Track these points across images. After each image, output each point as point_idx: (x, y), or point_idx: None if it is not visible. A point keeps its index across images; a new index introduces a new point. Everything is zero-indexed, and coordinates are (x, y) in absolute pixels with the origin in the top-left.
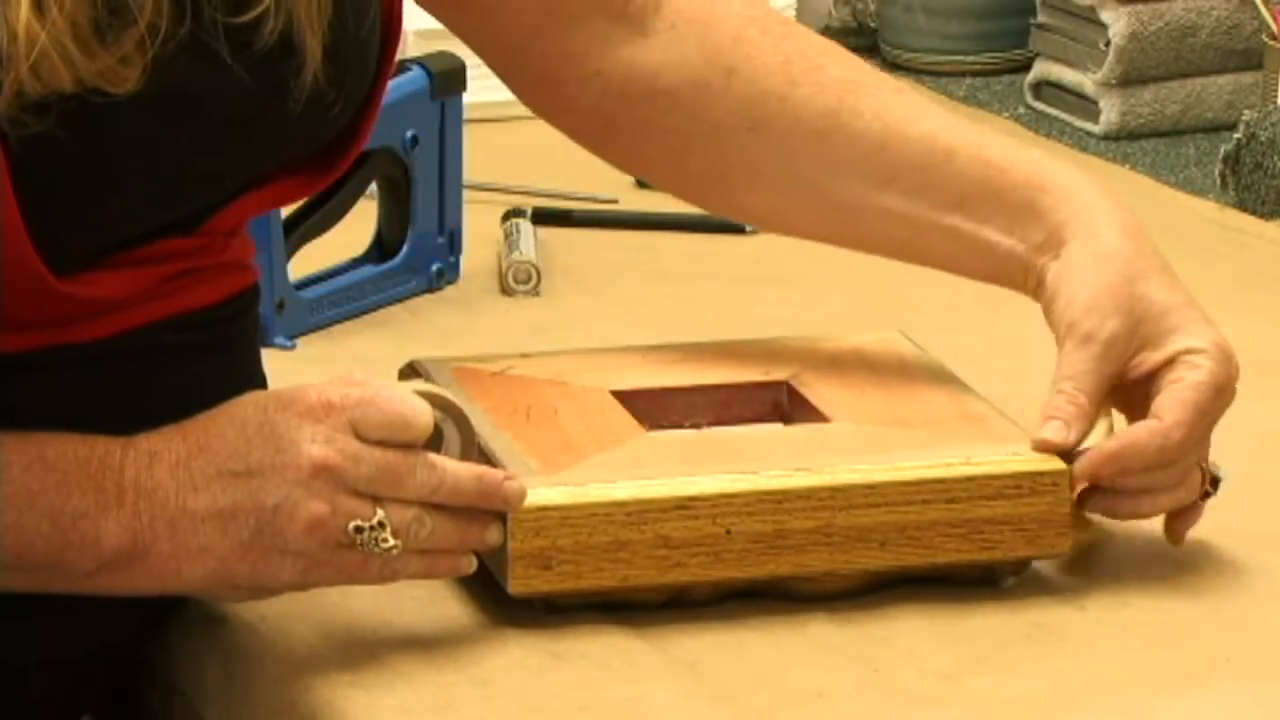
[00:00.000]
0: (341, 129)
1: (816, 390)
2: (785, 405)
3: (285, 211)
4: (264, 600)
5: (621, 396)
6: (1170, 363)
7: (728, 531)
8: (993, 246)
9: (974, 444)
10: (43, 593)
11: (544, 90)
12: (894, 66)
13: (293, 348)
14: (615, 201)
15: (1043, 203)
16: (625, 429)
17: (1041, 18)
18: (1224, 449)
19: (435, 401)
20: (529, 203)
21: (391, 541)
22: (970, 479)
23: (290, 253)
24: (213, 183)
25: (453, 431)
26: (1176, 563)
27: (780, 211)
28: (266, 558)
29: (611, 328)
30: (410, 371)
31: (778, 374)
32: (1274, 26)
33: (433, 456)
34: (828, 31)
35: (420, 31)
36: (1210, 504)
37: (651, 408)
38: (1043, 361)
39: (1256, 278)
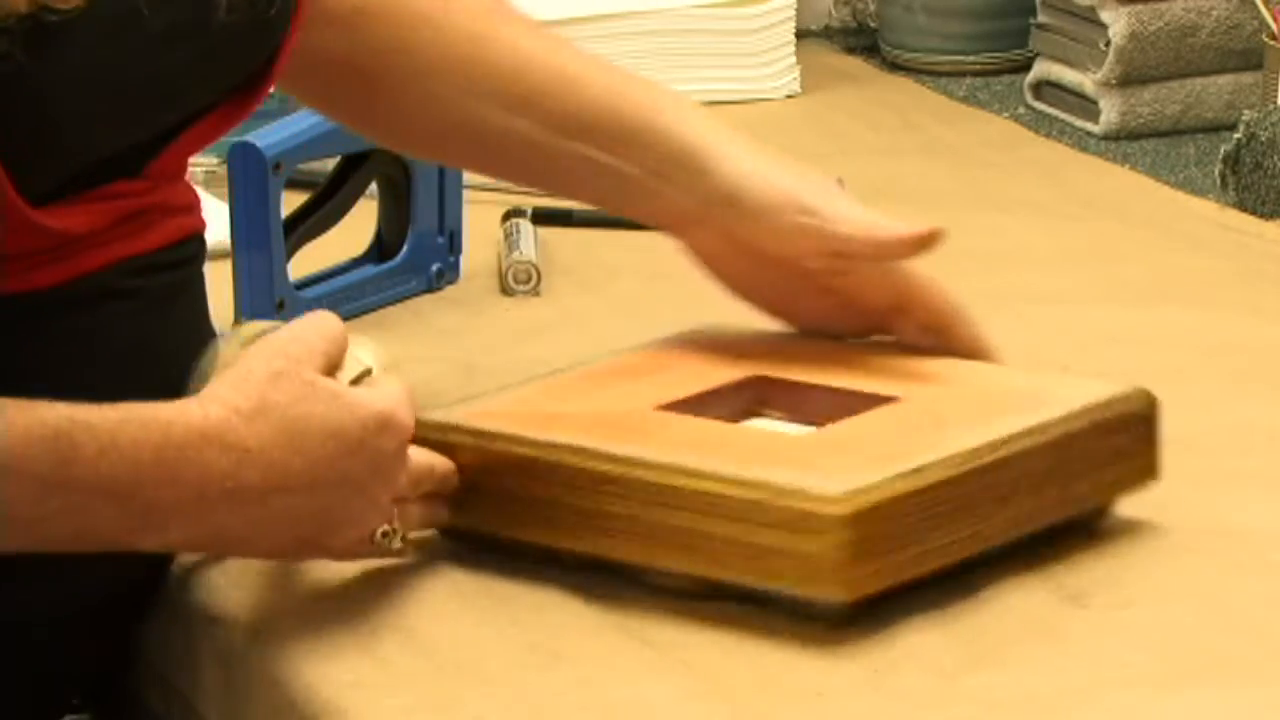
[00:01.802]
0: (262, 58)
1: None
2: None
3: (285, 212)
4: (261, 600)
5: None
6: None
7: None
8: (616, 170)
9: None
10: (110, 325)
11: None
12: (894, 66)
13: None
14: None
15: (660, 122)
16: (635, 405)
17: (1041, 18)
18: (1224, 448)
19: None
20: (529, 203)
21: (400, 544)
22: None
23: (290, 253)
24: (154, 101)
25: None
26: (1177, 563)
27: (420, 134)
28: (313, 550)
29: (611, 328)
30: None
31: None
32: (1274, 26)
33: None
34: (828, 31)
35: None
36: (1210, 503)
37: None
38: (1042, 360)
39: (1256, 278)
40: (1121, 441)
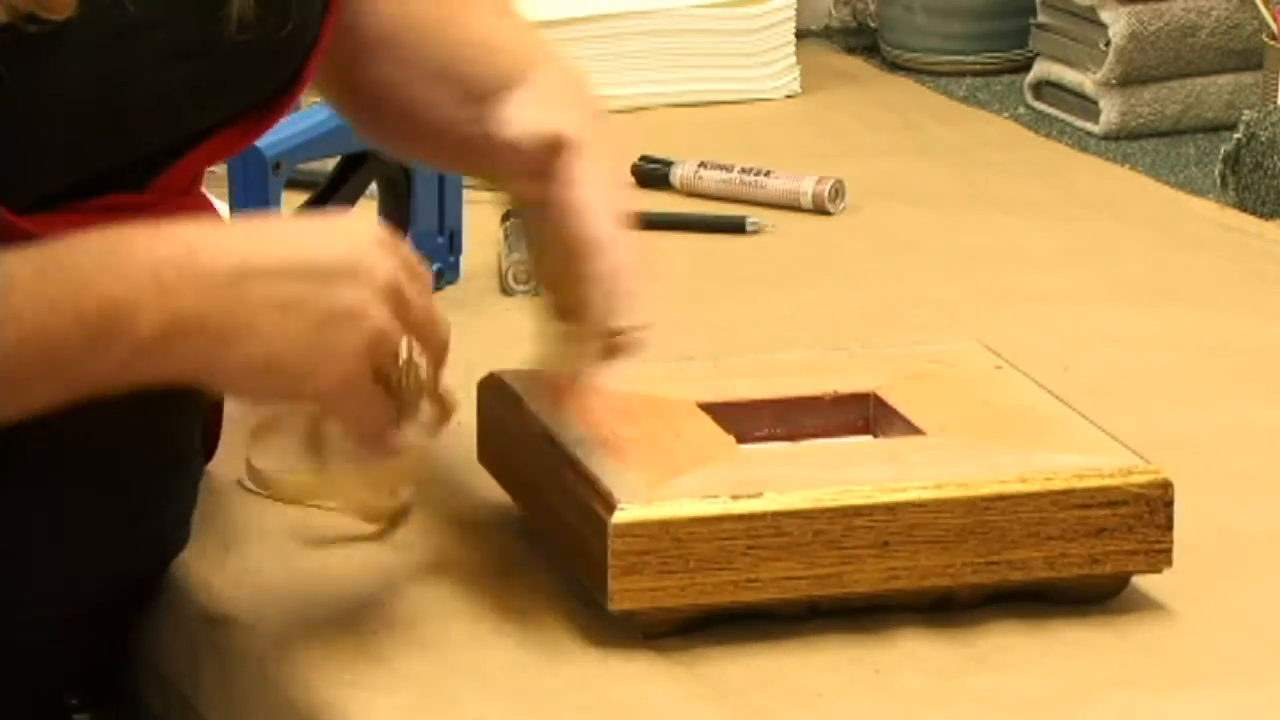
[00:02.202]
0: (284, 74)
1: (903, 402)
2: (871, 417)
3: (285, 212)
4: (261, 600)
5: (708, 409)
6: None
7: (885, 543)
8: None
9: (1078, 452)
10: (78, 399)
11: None
12: (894, 66)
13: None
14: None
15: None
16: (717, 442)
17: (1041, 18)
18: (1224, 448)
19: None
20: None
21: (415, 385)
22: (1099, 488)
23: None
24: (154, 119)
25: None
26: (1176, 563)
27: (363, 117)
28: (316, 357)
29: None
30: (491, 381)
31: (861, 385)
32: (1274, 26)
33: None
34: (828, 31)
35: None
36: (1210, 503)
37: (738, 420)
38: (1042, 360)
39: (1256, 278)
40: (1104, 517)
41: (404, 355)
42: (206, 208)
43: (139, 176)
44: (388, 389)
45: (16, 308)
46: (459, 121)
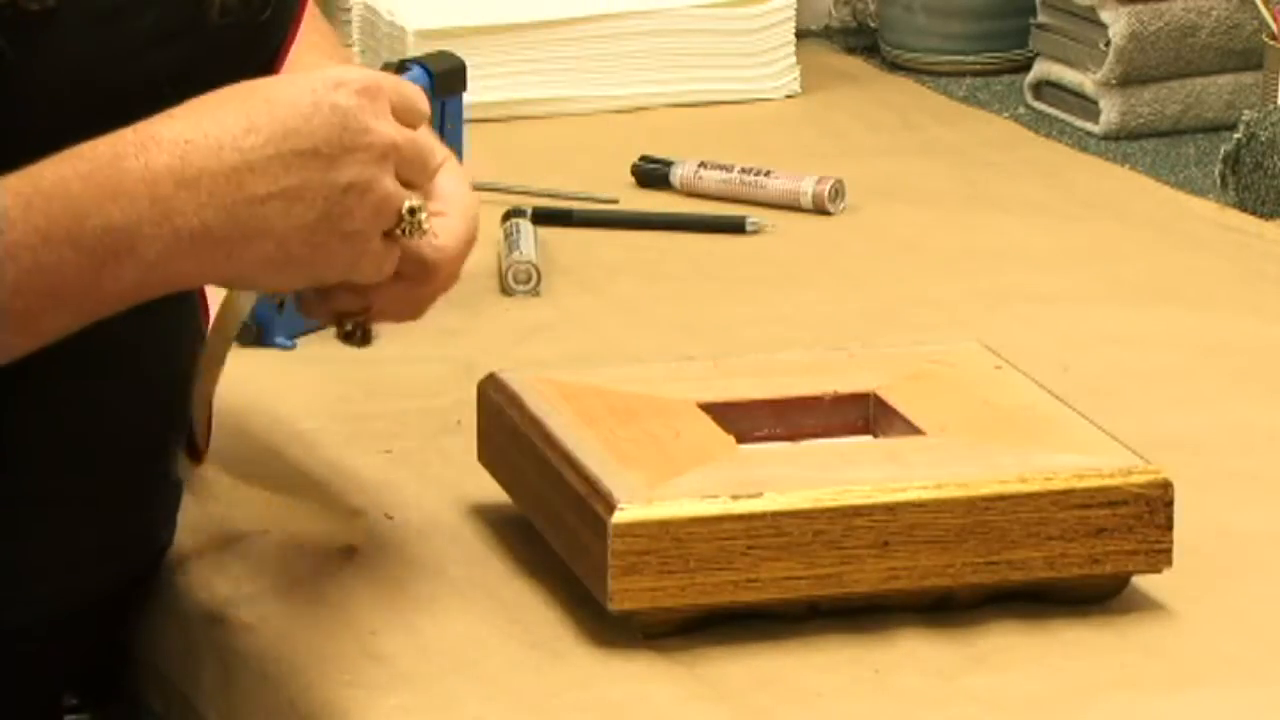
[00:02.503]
0: (264, 58)
1: (903, 402)
2: (871, 417)
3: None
4: (261, 600)
5: (707, 408)
6: None
7: (885, 543)
8: None
9: (1078, 452)
10: (96, 323)
11: None
12: (894, 66)
13: (293, 347)
14: (615, 201)
15: None
16: (717, 442)
17: (1041, 18)
18: (1224, 448)
19: None
20: (529, 203)
21: (426, 224)
22: (1099, 488)
23: None
24: (141, 103)
25: None
26: (1176, 563)
27: None
28: (329, 239)
29: (611, 328)
30: (491, 381)
31: (861, 385)
32: (1274, 26)
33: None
34: (828, 31)
35: (420, 31)
36: (1210, 503)
37: (738, 420)
38: (1042, 360)
39: (1256, 278)
40: (1104, 517)
41: (407, 205)
42: None
43: None
44: (390, 237)
45: (9, 246)
46: None
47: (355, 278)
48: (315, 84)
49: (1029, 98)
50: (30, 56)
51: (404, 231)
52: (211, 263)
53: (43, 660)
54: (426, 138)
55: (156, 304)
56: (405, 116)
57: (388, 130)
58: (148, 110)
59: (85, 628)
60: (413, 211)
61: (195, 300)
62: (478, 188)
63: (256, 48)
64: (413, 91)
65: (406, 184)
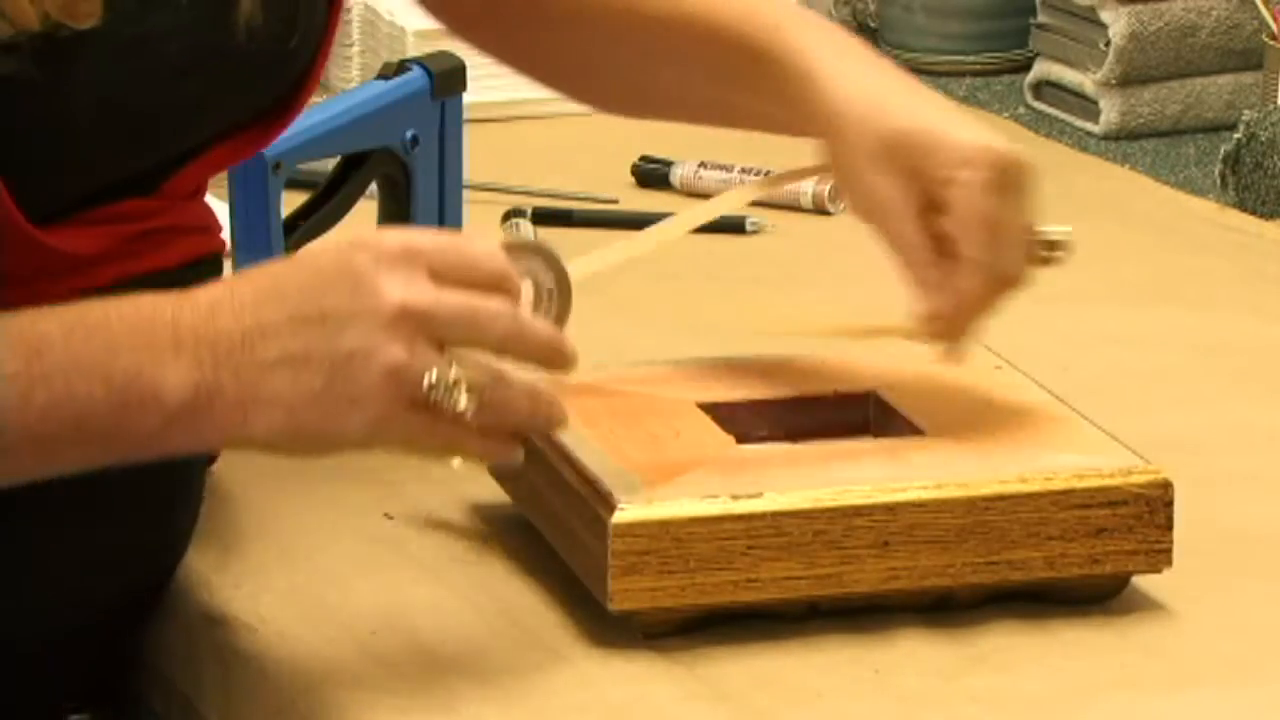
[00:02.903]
0: (290, 82)
1: (903, 402)
2: (871, 417)
3: (285, 212)
4: (261, 600)
5: (707, 408)
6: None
7: (886, 543)
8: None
9: (1078, 452)
10: (110, 465)
11: None
12: None
13: None
14: (615, 201)
15: (776, 45)
16: (717, 442)
17: (1041, 18)
18: (1224, 448)
19: (523, 247)
20: (529, 203)
21: (465, 400)
22: (1099, 488)
23: (290, 253)
24: (169, 127)
25: (544, 274)
26: (1176, 563)
27: (566, 75)
28: (337, 407)
29: (611, 328)
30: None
31: (861, 385)
32: (1274, 26)
33: (508, 303)
34: None
35: (420, 31)
36: (1211, 504)
37: (738, 420)
38: (1042, 360)
39: (1256, 278)
40: (1104, 517)
41: (432, 376)
42: (210, 215)
43: (149, 182)
44: (430, 410)
45: (47, 369)
46: (709, 98)
47: (384, 449)
48: (343, 245)
49: (1029, 98)
50: (60, 82)
51: (438, 404)
52: (229, 423)
53: (49, 669)
54: (484, 299)
55: None
56: (456, 275)
57: (399, 294)
58: (176, 136)
59: (96, 638)
60: (436, 384)
61: None
62: (478, 188)
63: (285, 70)
64: (470, 250)
65: (456, 343)
